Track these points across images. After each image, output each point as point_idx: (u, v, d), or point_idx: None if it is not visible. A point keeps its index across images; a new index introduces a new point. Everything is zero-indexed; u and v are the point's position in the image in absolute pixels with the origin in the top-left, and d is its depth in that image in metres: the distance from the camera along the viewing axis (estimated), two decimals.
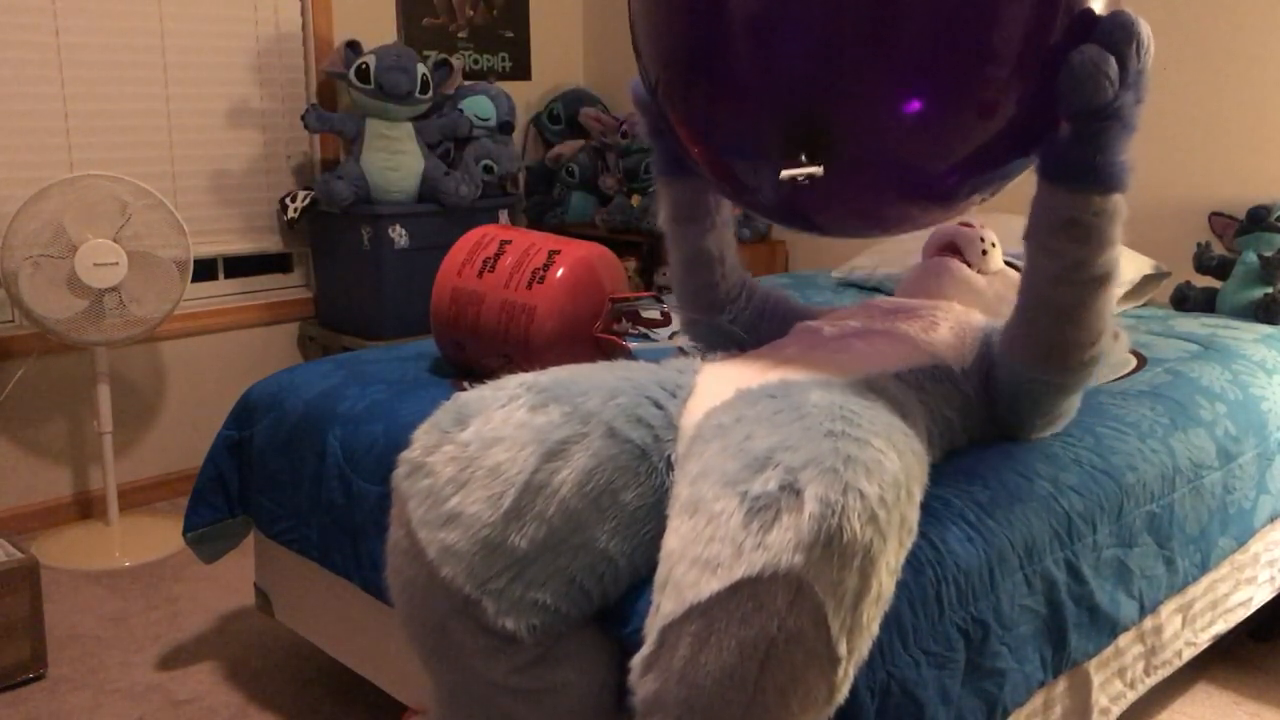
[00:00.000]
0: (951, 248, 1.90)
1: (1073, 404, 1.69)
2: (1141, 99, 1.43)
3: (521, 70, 4.13)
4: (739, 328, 1.90)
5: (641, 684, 1.18)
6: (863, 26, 1.32)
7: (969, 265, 1.87)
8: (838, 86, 1.35)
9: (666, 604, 1.16)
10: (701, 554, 1.15)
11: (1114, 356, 1.77)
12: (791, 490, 1.14)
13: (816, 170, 1.38)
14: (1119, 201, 1.45)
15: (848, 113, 1.36)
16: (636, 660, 1.20)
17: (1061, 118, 1.44)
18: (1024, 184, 1.53)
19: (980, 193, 1.53)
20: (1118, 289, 1.81)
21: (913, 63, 1.33)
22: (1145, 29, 1.40)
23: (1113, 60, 1.38)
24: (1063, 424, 1.74)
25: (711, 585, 1.12)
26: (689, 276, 1.87)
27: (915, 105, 1.35)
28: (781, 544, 1.11)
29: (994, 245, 1.88)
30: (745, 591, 1.11)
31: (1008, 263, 2.01)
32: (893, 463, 1.22)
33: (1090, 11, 1.41)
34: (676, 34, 1.45)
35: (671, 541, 1.20)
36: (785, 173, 1.38)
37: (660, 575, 1.21)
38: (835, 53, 1.33)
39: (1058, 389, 1.61)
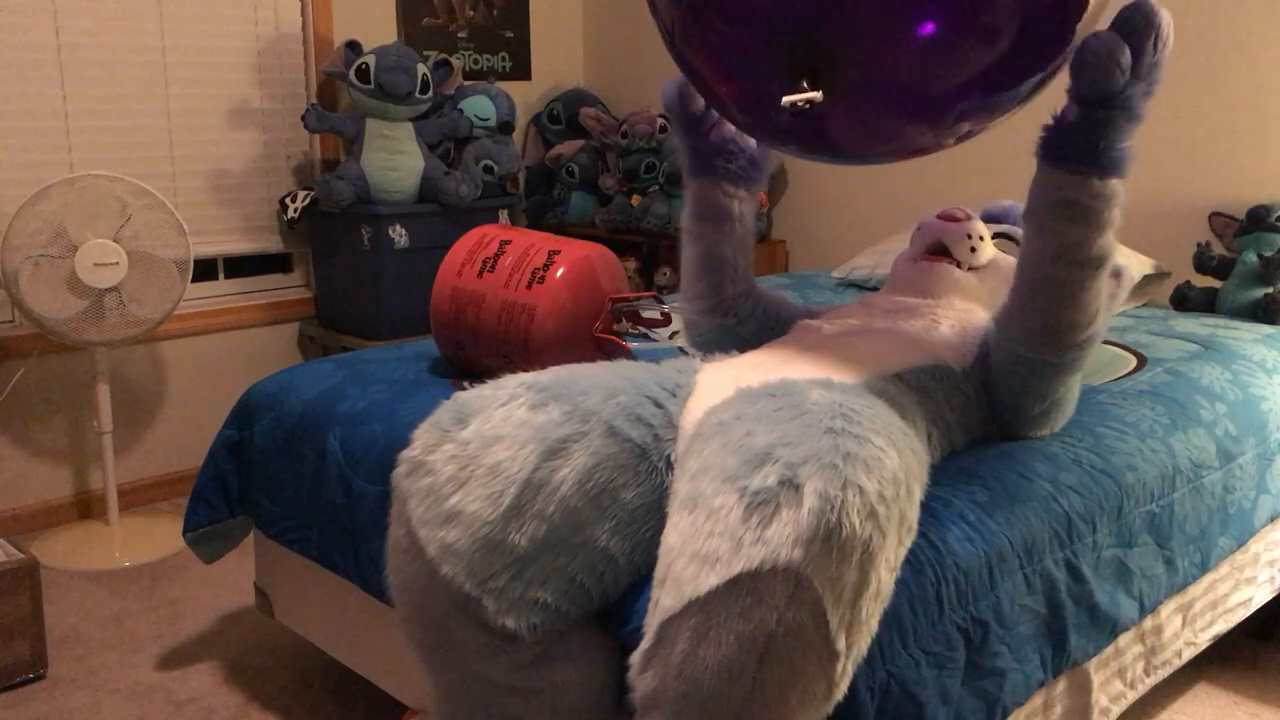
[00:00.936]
0: (939, 247, 1.87)
1: (1070, 393, 1.69)
2: (1152, 91, 1.44)
3: (521, 70, 4.13)
4: (743, 331, 1.90)
5: (640, 679, 1.18)
6: None
7: (959, 264, 1.84)
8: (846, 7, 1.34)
9: (666, 599, 1.17)
10: (701, 549, 1.15)
11: (1116, 303, 1.76)
12: (791, 485, 1.14)
13: (816, 96, 1.40)
14: (1117, 186, 1.47)
15: (852, 34, 1.36)
16: (636, 655, 1.20)
17: (1069, 99, 1.45)
18: (1025, 172, 1.53)
19: (968, 121, 1.52)
20: (1126, 284, 1.80)
21: None
22: (1166, 20, 1.41)
23: (1127, 49, 1.38)
24: (1060, 420, 1.74)
25: (710, 580, 1.13)
26: (701, 275, 1.88)
27: (928, 27, 1.35)
28: (781, 539, 1.11)
29: (983, 238, 1.86)
30: (744, 586, 1.11)
31: (1003, 234, 1.98)
32: (892, 460, 1.22)
33: None
34: None
35: (671, 537, 1.20)
36: (786, 99, 1.40)
37: (659, 570, 1.21)
38: None
39: (1053, 369, 1.61)
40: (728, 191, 1.81)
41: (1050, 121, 1.48)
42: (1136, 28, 1.39)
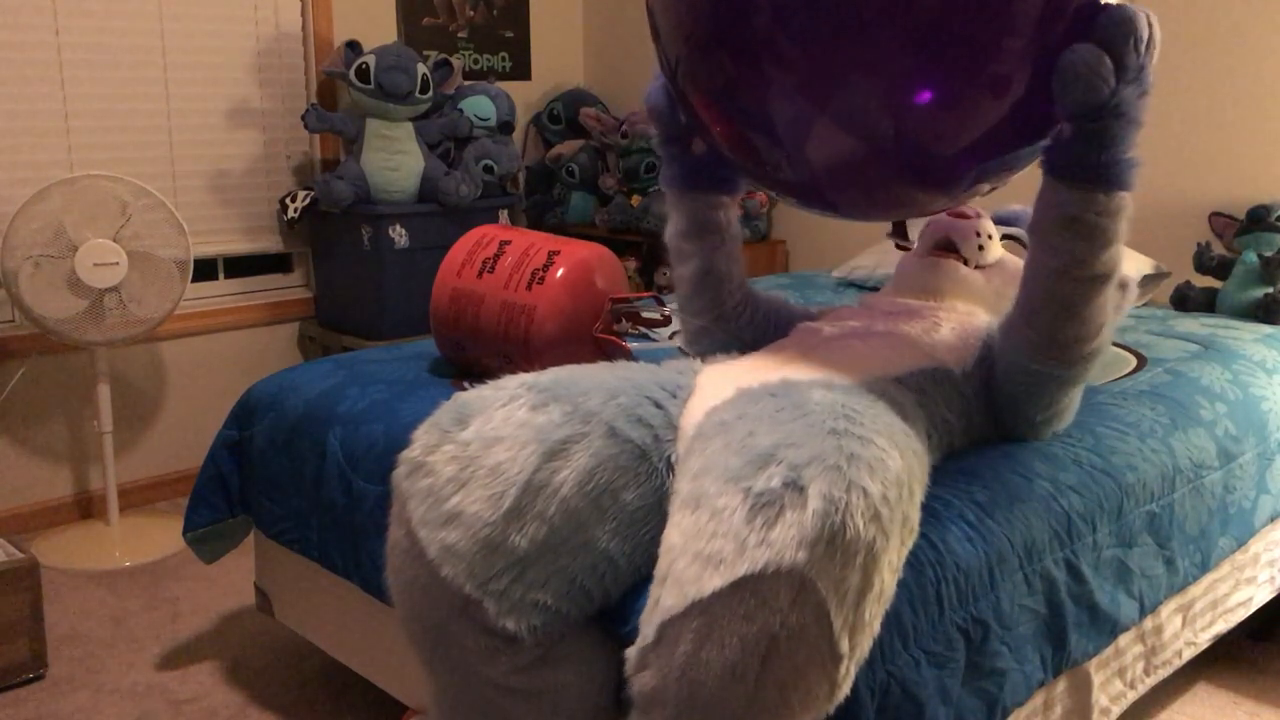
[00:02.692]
0: (947, 243, 1.87)
1: (1072, 401, 1.69)
2: (1146, 92, 1.41)
3: (521, 70, 4.13)
4: (744, 338, 1.88)
5: (639, 678, 1.18)
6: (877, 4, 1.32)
7: (966, 262, 1.84)
8: (856, 60, 1.35)
9: (667, 598, 1.16)
10: (704, 549, 1.15)
11: (1120, 314, 1.76)
12: (795, 487, 1.14)
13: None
14: (1124, 199, 1.44)
15: (864, 89, 1.37)
16: (632, 652, 1.19)
17: (1060, 116, 1.43)
18: (1033, 175, 1.53)
19: (987, 181, 1.53)
20: (1131, 295, 1.79)
21: (925, 48, 1.33)
22: (1144, 23, 1.38)
23: (1106, 58, 1.35)
24: (1062, 426, 1.74)
25: (714, 581, 1.12)
26: (697, 292, 1.84)
27: (925, 95, 1.36)
28: (785, 540, 1.11)
29: (991, 237, 1.86)
30: (748, 588, 1.11)
31: (1010, 236, 1.98)
32: (895, 461, 1.22)
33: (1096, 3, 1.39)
34: (699, 8, 1.46)
35: (673, 536, 1.20)
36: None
37: (660, 569, 1.20)
38: (852, 24, 1.33)
39: (1058, 381, 1.60)
40: (713, 203, 1.77)
41: (1053, 135, 1.46)
42: (1114, 35, 1.35)
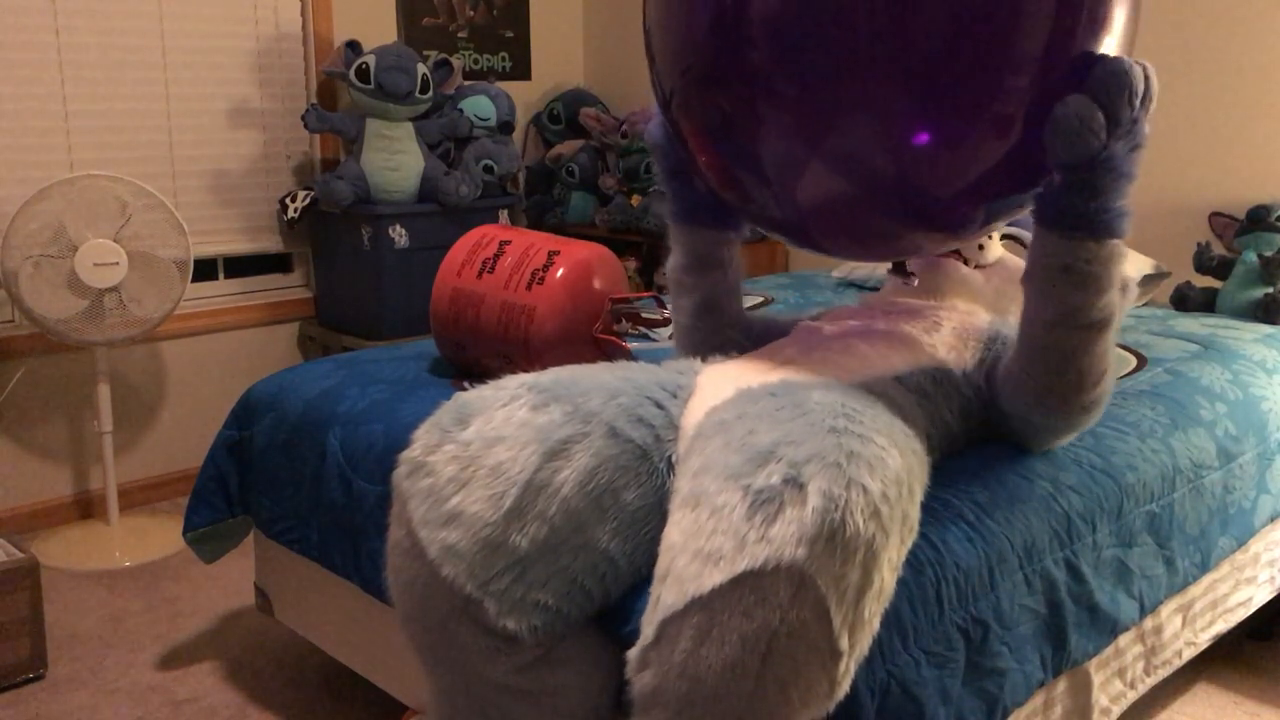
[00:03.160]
0: None
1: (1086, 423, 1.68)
2: (1139, 146, 1.38)
3: (521, 70, 4.13)
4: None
5: (640, 677, 1.18)
6: (876, 39, 1.30)
7: (966, 262, 1.84)
8: (853, 98, 1.34)
9: (667, 596, 1.16)
10: (704, 547, 1.15)
11: (1120, 313, 1.75)
12: (795, 484, 1.14)
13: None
14: (1116, 246, 1.42)
15: (862, 128, 1.35)
16: (633, 652, 1.19)
17: (1050, 166, 1.40)
18: None
19: (999, 220, 1.51)
20: (1131, 295, 1.78)
21: (924, 87, 1.31)
22: (1139, 76, 1.33)
23: (1099, 113, 1.32)
24: (1064, 443, 1.74)
25: (714, 578, 1.12)
26: (695, 324, 1.83)
27: (924, 136, 1.34)
28: (784, 537, 1.11)
29: (990, 236, 1.86)
30: (748, 584, 1.11)
31: (1010, 235, 1.98)
32: (895, 459, 1.22)
33: (1093, 56, 1.36)
34: (694, 42, 1.45)
35: (673, 534, 1.20)
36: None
37: (661, 567, 1.20)
38: (850, 63, 1.32)
39: (1057, 432, 1.61)
40: (715, 239, 1.75)
41: (1043, 183, 1.44)
42: (1108, 88, 1.32)
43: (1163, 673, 1.85)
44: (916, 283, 1.83)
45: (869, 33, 1.30)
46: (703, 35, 1.43)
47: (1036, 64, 1.32)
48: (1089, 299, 1.43)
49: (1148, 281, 2.77)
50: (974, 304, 1.82)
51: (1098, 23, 1.35)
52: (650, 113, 1.78)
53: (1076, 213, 1.39)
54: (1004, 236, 1.97)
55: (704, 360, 1.66)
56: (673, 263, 1.81)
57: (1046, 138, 1.35)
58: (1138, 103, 1.34)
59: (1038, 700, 1.57)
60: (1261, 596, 2.11)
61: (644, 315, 2.08)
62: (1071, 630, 1.56)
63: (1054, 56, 1.33)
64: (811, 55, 1.33)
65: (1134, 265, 2.71)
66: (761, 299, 2.80)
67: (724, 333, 1.84)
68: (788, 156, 1.42)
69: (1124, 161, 1.37)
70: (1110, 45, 1.38)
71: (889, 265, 1.64)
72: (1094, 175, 1.36)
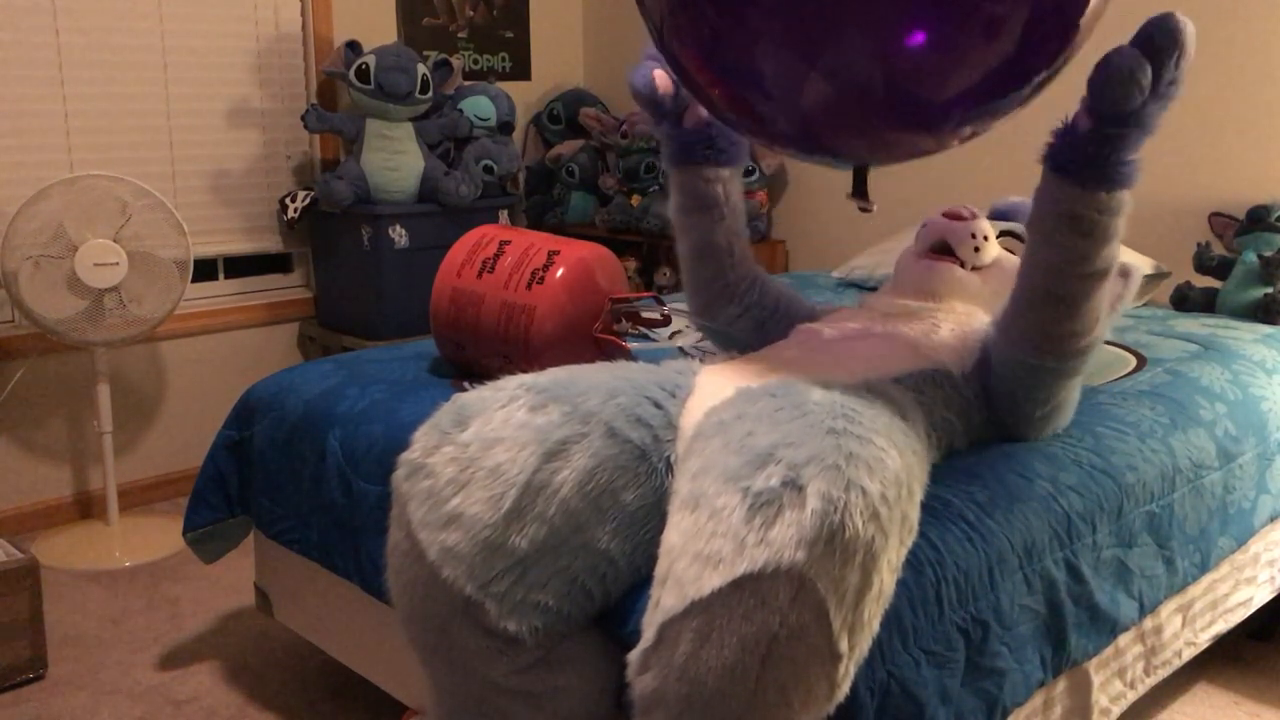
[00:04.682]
0: (942, 246, 1.87)
1: (1070, 397, 1.68)
2: (1168, 105, 1.39)
3: (521, 70, 4.13)
4: (747, 326, 1.89)
5: (640, 680, 1.18)
6: None
7: (962, 264, 1.84)
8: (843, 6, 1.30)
9: (667, 599, 1.16)
10: (703, 549, 1.15)
11: (1124, 303, 1.73)
12: (794, 486, 1.14)
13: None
14: (1125, 198, 1.44)
15: (854, 31, 1.31)
16: (634, 655, 1.19)
17: (1083, 111, 1.41)
18: (1031, 168, 1.51)
19: (970, 125, 1.47)
20: (1135, 282, 1.77)
21: None
22: (1189, 36, 1.34)
23: (1149, 68, 1.33)
24: (1061, 423, 1.74)
25: (714, 581, 1.12)
26: (698, 267, 1.86)
27: (918, 37, 1.30)
28: (784, 540, 1.11)
29: (987, 238, 1.85)
30: (748, 587, 1.11)
31: (1008, 232, 1.97)
32: (894, 460, 1.22)
33: None
34: None
35: (672, 536, 1.20)
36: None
37: (660, 570, 1.21)
38: None
39: (1053, 374, 1.60)
40: (710, 177, 1.77)
41: (1058, 129, 1.45)
42: (1162, 46, 1.32)
43: (1163, 673, 1.85)
44: (875, 208, 1.83)
45: None
46: None
47: None
48: (1094, 248, 1.45)
49: (1148, 281, 2.77)
50: (972, 305, 1.82)
51: None
52: (642, 69, 1.77)
53: (1094, 163, 1.40)
54: (1002, 234, 1.96)
55: (703, 358, 1.66)
56: (671, 206, 1.83)
57: (1092, 84, 1.35)
58: (1182, 62, 1.35)
59: (1037, 700, 1.57)
60: (1261, 596, 2.11)
61: (644, 315, 2.08)
62: (1071, 630, 1.56)
63: None
64: None
65: (1131, 288, 2.70)
66: None
67: (728, 275, 1.85)
68: (784, 67, 1.38)
69: (1153, 119, 1.38)
70: None
71: (850, 191, 1.61)
72: (1125, 128, 1.37)
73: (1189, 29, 1.35)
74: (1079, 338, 1.54)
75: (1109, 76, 1.33)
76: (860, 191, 1.62)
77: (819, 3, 1.32)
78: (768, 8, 1.35)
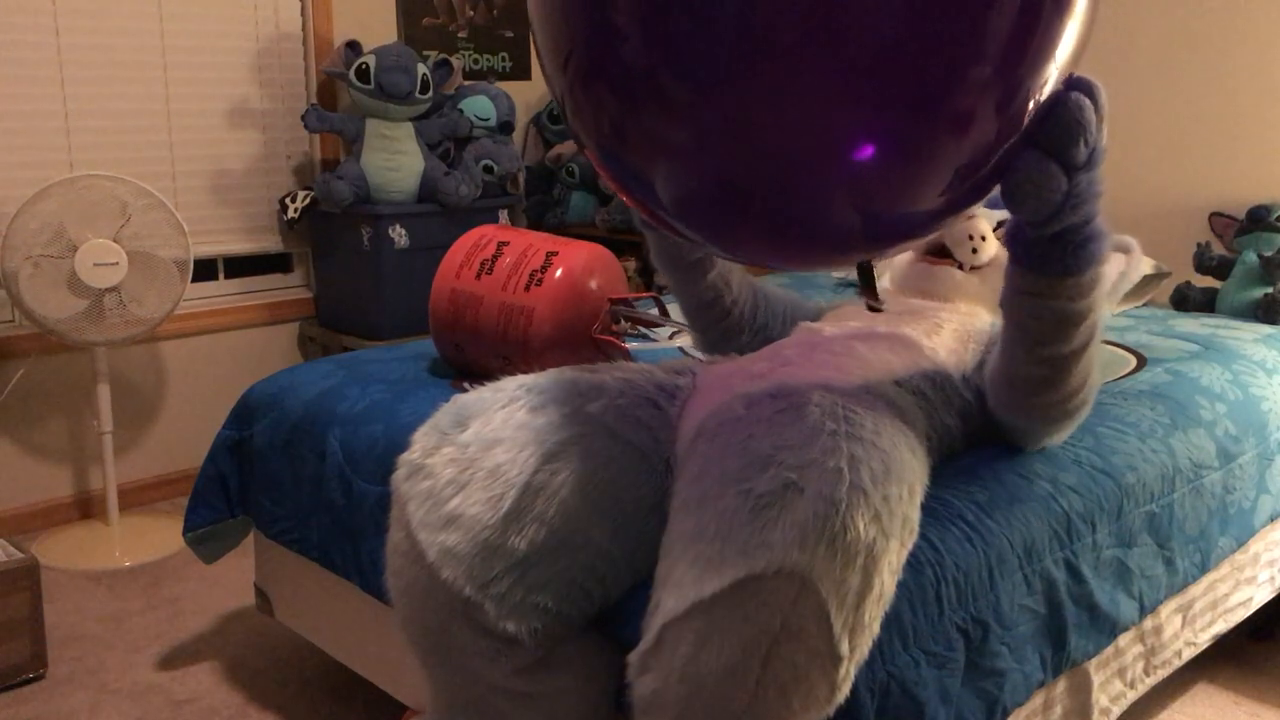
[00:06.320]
0: (939, 248, 1.86)
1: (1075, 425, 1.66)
2: (1099, 163, 1.20)
3: (521, 70, 4.12)
4: (759, 344, 1.83)
5: (640, 681, 1.18)
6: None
7: (960, 266, 1.83)
8: (772, 101, 0.97)
9: (667, 601, 1.16)
10: (704, 551, 1.15)
11: (1127, 281, 1.64)
12: (795, 488, 1.14)
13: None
14: (1097, 273, 1.30)
15: (784, 140, 0.98)
16: (634, 656, 1.19)
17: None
18: None
19: (964, 209, 1.20)
20: (1136, 261, 1.65)
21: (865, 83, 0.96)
22: (1091, 112, 1.12)
23: (1055, 168, 1.14)
24: (1060, 440, 1.73)
25: (714, 583, 1.12)
26: (701, 314, 1.78)
27: (867, 150, 1.00)
28: (785, 542, 1.11)
29: (984, 238, 1.83)
30: (748, 589, 1.11)
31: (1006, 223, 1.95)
32: (895, 462, 1.22)
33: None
34: (566, 29, 1.06)
35: (673, 538, 1.20)
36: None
37: (661, 571, 1.20)
38: (765, 50, 0.94)
39: (1048, 432, 1.60)
40: (676, 243, 1.64)
41: (1006, 232, 1.31)
42: (1060, 139, 1.12)
43: (1163, 673, 1.85)
44: (886, 308, 1.73)
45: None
46: (576, 16, 1.02)
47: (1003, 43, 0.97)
48: (1069, 330, 1.35)
49: (1148, 281, 2.77)
50: (975, 305, 1.82)
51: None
52: None
53: (1046, 254, 1.27)
54: (999, 225, 1.94)
55: (703, 359, 1.66)
56: (658, 265, 1.73)
57: (1004, 199, 1.17)
58: (1093, 134, 1.15)
59: (1037, 700, 1.57)
60: (1261, 596, 2.11)
61: (643, 316, 2.08)
62: (1071, 630, 1.56)
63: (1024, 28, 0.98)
64: (709, 40, 0.93)
65: (1135, 266, 2.71)
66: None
67: (732, 314, 1.76)
68: (691, 178, 1.04)
69: (1090, 186, 1.20)
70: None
71: (857, 289, 1.38)
72: (1062, 217, 1.21)
73: (1089, 105, 1.11)
74: (1068, 400, 1.48)
75: (1014, 191, 1.15)
76: (869, 289, 1.37)
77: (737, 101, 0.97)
78: (669, 104, 1.00)
